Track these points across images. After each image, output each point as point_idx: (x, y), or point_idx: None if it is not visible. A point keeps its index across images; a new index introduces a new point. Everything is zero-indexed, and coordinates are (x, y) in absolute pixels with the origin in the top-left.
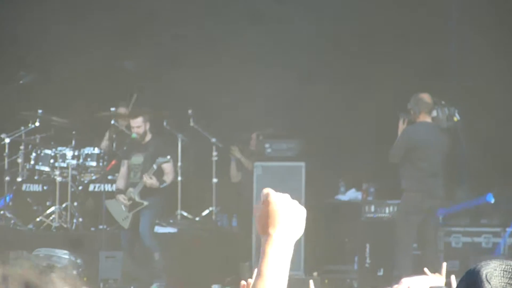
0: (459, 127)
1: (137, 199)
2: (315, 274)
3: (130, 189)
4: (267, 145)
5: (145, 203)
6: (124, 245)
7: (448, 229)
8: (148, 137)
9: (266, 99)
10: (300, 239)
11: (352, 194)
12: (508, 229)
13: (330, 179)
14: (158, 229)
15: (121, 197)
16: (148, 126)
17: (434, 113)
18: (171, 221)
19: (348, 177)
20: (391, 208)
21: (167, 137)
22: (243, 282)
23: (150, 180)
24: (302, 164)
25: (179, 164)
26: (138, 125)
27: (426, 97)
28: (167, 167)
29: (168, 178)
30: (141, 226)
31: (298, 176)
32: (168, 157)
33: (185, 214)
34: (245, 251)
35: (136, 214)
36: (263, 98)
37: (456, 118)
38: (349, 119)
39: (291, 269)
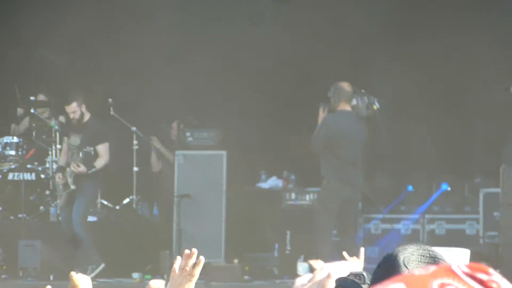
0: (378, 116)
1: (69, 181)
2: (235, 261)
3: (67, 169)
4: (188, 134)
5: (72, 187)
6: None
7: (368, 216)
8: (86, 117)
9: (187, 87)
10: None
11: (273, 182)
12: (427, 216)
13: (251, 167)
14: None
15: (57, 176)
16: (84, 108)
17: (354, 102)
18: (91, 210)
19: (269, 165)
20: (311, 196)
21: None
22: (186, 251)
23: (77, 169)
24: (223, 152)
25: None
26: (73, 110)
27: (345, 85)
28: (102, 149)
29: (100, 162)
30: (73, 212)
31: (219, 164)
32: (92, 148)
33: (105, 203)
34: (165, 240)
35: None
36: (184, 86)
37: (376, 106)
38: (270, 107)
39: (212, 257)
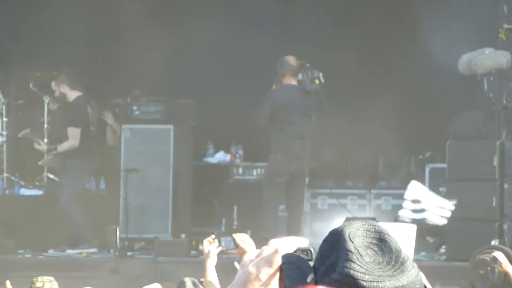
0: (321, 90)
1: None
2: (182, 236)
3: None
4: (135, 108)
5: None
6: None
7: (315, 191)
8: (71, 98)
9: (135, 61)
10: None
11: (220, 157)
12: (373, 191)
13: (199, 141)
14: (24, 192)
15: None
16: (65, 88)
17: (300, 76)
18: (37, 183)
19: (217, 140)
20: (258, 171)
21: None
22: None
23: (39, 147)
24: (171, 126)
25: (46, 126)
26: (53, 89)
27: (291, 59)
28: (72, 133)
29: (64, 145)
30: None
31: (167, 138)
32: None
33: (51, 176)
34: (112, 214)
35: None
36: (132, 60)
37: (319, 81)
38: (218, 82)
39: (159, 232)
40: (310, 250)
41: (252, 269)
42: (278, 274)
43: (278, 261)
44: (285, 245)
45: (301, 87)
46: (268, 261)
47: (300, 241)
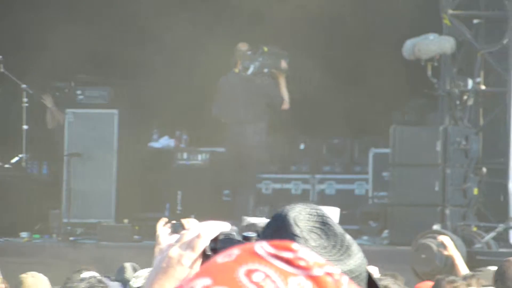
0: (271, 72)
1: None
2: (125, 221)
3: None
4: (79, 92)
5: None
6: None
7: (259, 175)
8: None
9: (79, 45)
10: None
11: (164, 142)
12: (317, 176)
13: (143, 126)
14: None
15: None
16: None
17: (247, 61)
18: None
19: (161, 125)
20: (203, 155)
21: None
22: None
23: None
24: (115, 111)
25: None
26: None
27: (241, 45)
28: None
29: None
30: None
31: (111, 123)
32: None
33: None
34: (55, 199)
35: None
36: (76, 44)
37: (281, 65)
38: (162, 66)
39: (102, 216)
40: (233, 234)
41: (173, 254)
42: (200, 259)
43: (201, 246)
44: (207, 229)
45: (242, 73)
46: (191, 246)
47: (223, 225)
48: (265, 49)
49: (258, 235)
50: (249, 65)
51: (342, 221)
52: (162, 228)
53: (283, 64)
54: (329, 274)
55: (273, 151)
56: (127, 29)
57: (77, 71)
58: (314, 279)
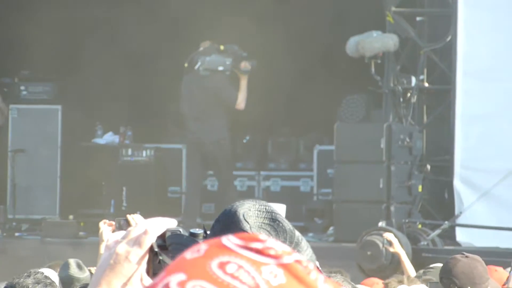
0: (232, 71)
1: None
2: (71, 217)
3: None
4: (22, 88)
5: None
6: None
7: (204, 172)
8: None
9: (22, 40)
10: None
11: (109, 138)
12: (262, 172)
13: (87, 122)
14: None
15: None
16: None
17: (199, 61)
18: None
19: (105, 121)
20: (148, 152)
21: None
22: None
23: None
24: (59, 107)
25: None
26: None
27: (203, 44)
28: None
29: None
30: None
31: (55, 119)
32: None
33: None
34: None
35: None
36: (19, 39)
37: (241, 66)
38: (106, 62)
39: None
40: (180, 231)
41: (120, 250)
42: (147, 256)
43: (148, 242)
44: (154, 225)
45: (209, 68)
46: (138, 242)
47: (169, 222)
48: (221, 47)
49: (205, 232)
50: (196, 60)
51: (287, 218)
52: (105, 225)
53: (244, 64)
54: (298, 261)
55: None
56: (71, 23)
57: (20, 66)
58: (285, 266)
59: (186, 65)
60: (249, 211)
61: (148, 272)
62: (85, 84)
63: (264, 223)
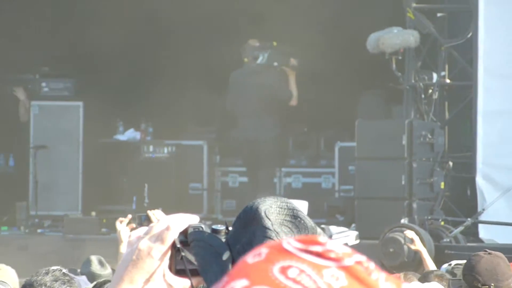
0: (281, 68)
1: None
2: (93, 214)
3: None
4: (43, 84)
5: None
6: None
7: (225, 169)
8: None
9: (43, 37)
10: (77, 178)
11: (130, 134)
12: (284, 169)
13: (109, 118)
14: None
15: None
16: None
17: (260, 57)
18: None
19: (127, 117)
20: (169, 148)
21: None
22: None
23: None
24: (80, 103)
25: None
26: None
27: (251, 41)
28: None
29: None
30: None
31: (76, 115)
32: None
33: None
34: (22, 191)
35: None
36: (40, 36)
37: (258, 59)
38: (128, 58)
39: (69, 209)
40: (202, 227)
41: (142, 246)
42: (170, 252)
43: (170, 238)
44: (176, 222)
45: (262, 66)
46: (160, 238)
47: (191, 218)
48: (274, 43)
49: (227, 228)
50: (258, 55)
51: (309, 215)
52: (122, 224)
53: (292, 61)
54: (358, 262)
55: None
56: (93, 20)
57: (41, 63)
58: (346, 269)
59: (246, 60)
60: (271, 208)
61: (170, 268)
62: (106, 81)
63: (285, 220)
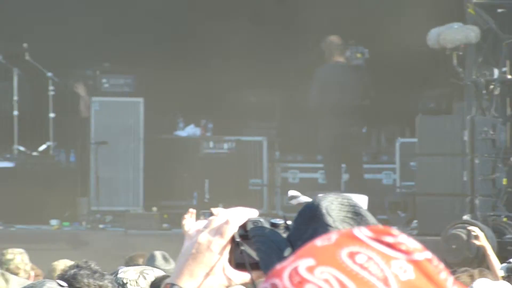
0: (364, 64)
1: None
2: (154, 209)
3: None
4: (104, 80)
5: None
6: None
7: (285, 164)
8: None
9: (105, 33)
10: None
11: (190, 130)
12: (343, 165)
13: (169, 114)
14: None
15: None
16: None
17: (348, 53)
18: (7, 155)
19: (187, 113)
20: (229, 144)
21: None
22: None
23: None
24: (140, 99)
25: (15, 98)
26: None
27: (335, 39)
28: None
29: None
30: None
31: (136, 111)
32: None
33: (21, 148)
34: (83, 186)
35: None
36: (101, 32)
37: (362, 54)
38: (186, 53)
39: (130, 205)
40: (261, 221)
41: (202, 239)
42: (229, 245)
43: (229, 232)
44: (235, 215)
45: (347, 63)
46: (220, 232)
47: (250, 212)
48: (351, 41)
49: (286, 222)
50: (342, 52)
51: (369, 211)
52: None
53: (365, 54)
54: (429, 260)
55: (300, 139)
56: (154, 18)
57: (102, 59)
58: (415, 263)
59: (342, 59)
60: (332, 205)
61: (230, 262)
62: (166, 77)
63: (347, 216)
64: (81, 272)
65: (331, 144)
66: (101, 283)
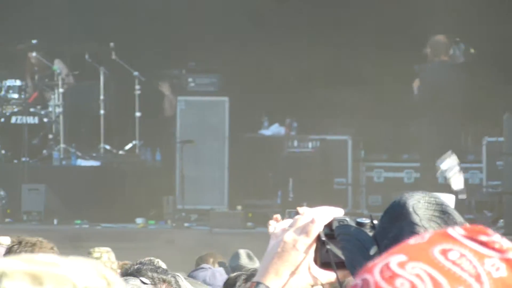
0: (472, 60)
1: None
2: (239, 208)
3: None
4: (190, 80)
5: None
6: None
7: (370, 164)
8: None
9: (189, 32)
10: (223, 173)
11: (275, 129)
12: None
13: (253, 113)
14: (81, 162)
15: None
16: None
17: (451, 51)
18: (94, 154)
19: (272, 112)
20: (314, 143)
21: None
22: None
23: None
24: (226, 98)
25: (102, 97)
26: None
27: (441, 38)
28: None
29: None
30: None
31: (221, 110)
32: None
33: (108, 147)
34: (168, 185)
35: None
36: (186, 32)
37: (471, 50)
38: (273, 53)
39: (215, 203)
40: (346, 220)
41: (287, 238)
42: (315, 244)
43: (315, 231)
44: (321, 214)
45: (453, 61)
46: (305, 231)
47: (336, 211)
48: (457, 39)
49: (372, 221)
50: (449, 50)
51: (456, 210)
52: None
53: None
54: None
55: (384, 139)
56: (240, 18)
57: (188, 58)
58: (508, 261)
59: (447, 58)
60: (419, 203)
61: (315, 261)
62: (251, 76)
63: (434, 215)
64: (145, 267)
65: (433, 142)
66: (164, 277)
